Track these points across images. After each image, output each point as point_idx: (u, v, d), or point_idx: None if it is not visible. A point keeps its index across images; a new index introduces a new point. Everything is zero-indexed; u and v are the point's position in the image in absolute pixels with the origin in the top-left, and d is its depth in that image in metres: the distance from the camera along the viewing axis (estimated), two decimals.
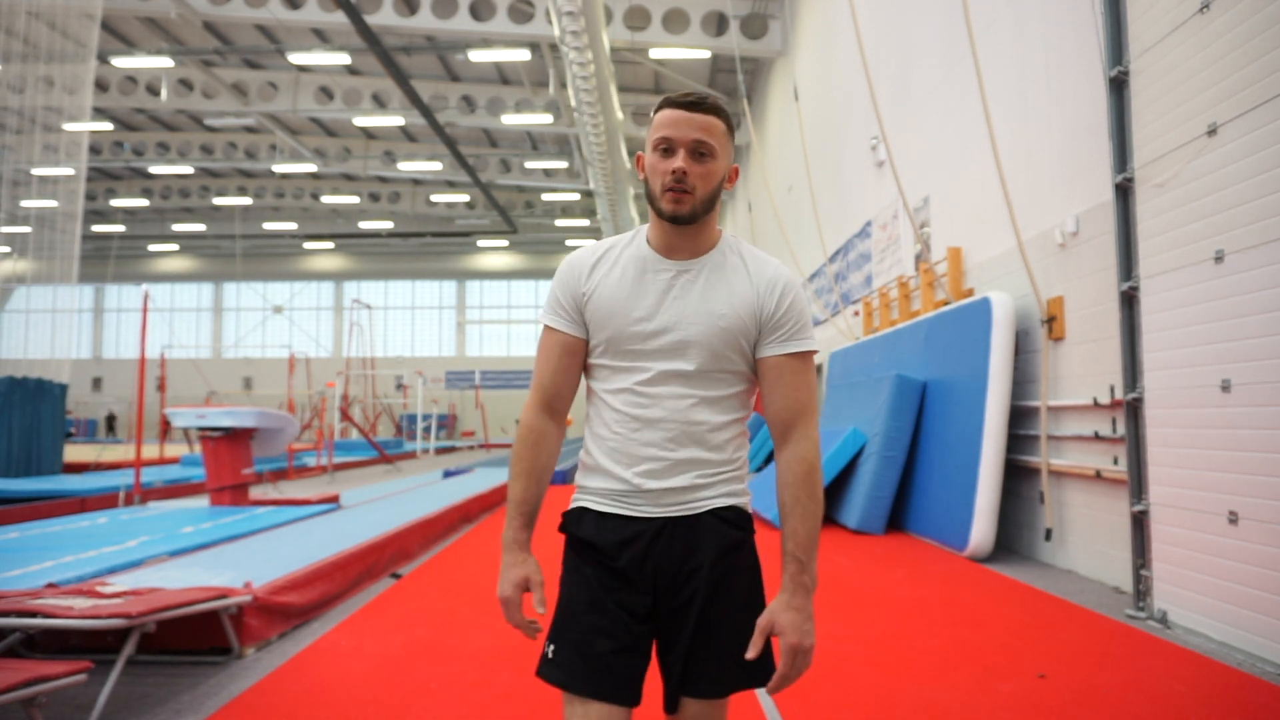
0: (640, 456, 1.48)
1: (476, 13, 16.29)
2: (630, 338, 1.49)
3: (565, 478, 12.44)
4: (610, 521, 1.49)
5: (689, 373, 1.47)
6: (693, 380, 1.48)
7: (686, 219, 1.45)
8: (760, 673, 1.47)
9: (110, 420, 33.08)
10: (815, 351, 1.54)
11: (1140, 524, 4.25)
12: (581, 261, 1.55)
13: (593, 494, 1.52)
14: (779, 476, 1.49)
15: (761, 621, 1.41)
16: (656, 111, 1.49)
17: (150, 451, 15.45)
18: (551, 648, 1.47)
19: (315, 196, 30.34)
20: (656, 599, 1.48)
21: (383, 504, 8.17)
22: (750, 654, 1.40)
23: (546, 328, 1.56)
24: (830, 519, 7.29)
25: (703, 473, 1.49)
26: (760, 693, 2.96)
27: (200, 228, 33.67)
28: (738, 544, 1.50)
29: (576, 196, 29.84)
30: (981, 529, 5.61)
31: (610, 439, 1.50)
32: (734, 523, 1.51)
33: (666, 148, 1.45)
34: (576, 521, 1.53)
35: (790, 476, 1.47)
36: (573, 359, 1.55)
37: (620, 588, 1.46)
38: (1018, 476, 5.99)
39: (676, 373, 1.47)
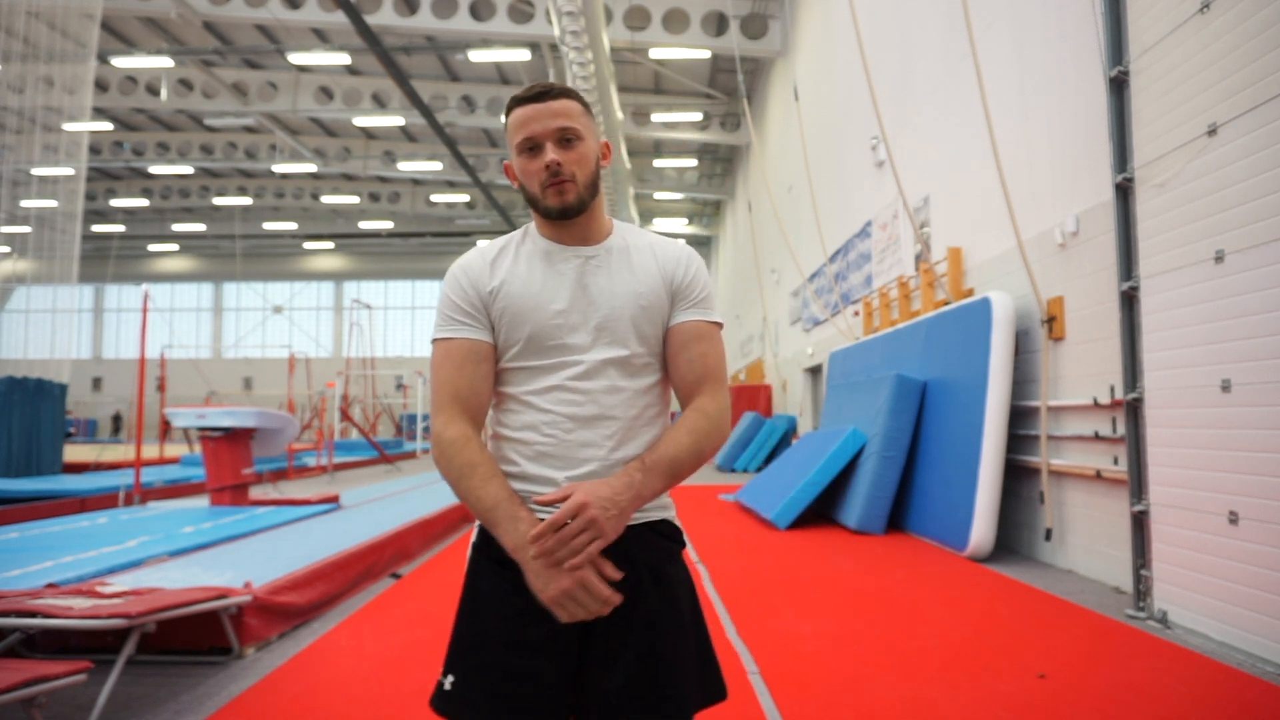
0: (578, 459, 1.37)
1: (476, 13, 16.29)
2: (553, 331, 1.39)
3: None
4: None
5: (621, 360, 1.40)
6: (625, 369, 1.41)
7: (576, 208, 1.40)
8: (713, 690, 1.40)
9: (116, 420, 33.10)
10: (721, 325, 1.50)
11: (1140, 524, 4.25)
12: (477, 262, 1.45)
13: None
14: (676, 420, 1.43)
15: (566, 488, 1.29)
16: (507, 114, 1.43)
17: (150, 451, 15.45)
18: (450, 679, 1.33)
19: (315, 196, 30.33)
20: (587, 622, 1.32)
21: (383, 504, 8.17)
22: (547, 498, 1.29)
23: (444, 341, 1.41)
24: (830, 519, 7.29)
25: None
26: (759, 692, 2.96)
27: (200, 228, 33.66)
28: (672, 556, 1.42)
29: None
30: (981, 529, 5.61)
31: (540, 442, 1.38)
32: (668, 535, 1.43)
33: (531, 146, 1.39)
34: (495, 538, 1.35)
35: (682, 419, 1.42)
36: (489, 367, 1.42)
37: (543, 614, 1.30)
38: (1018, 476, 5.99)
39: (610, 362, 1.40)
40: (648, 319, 1.42)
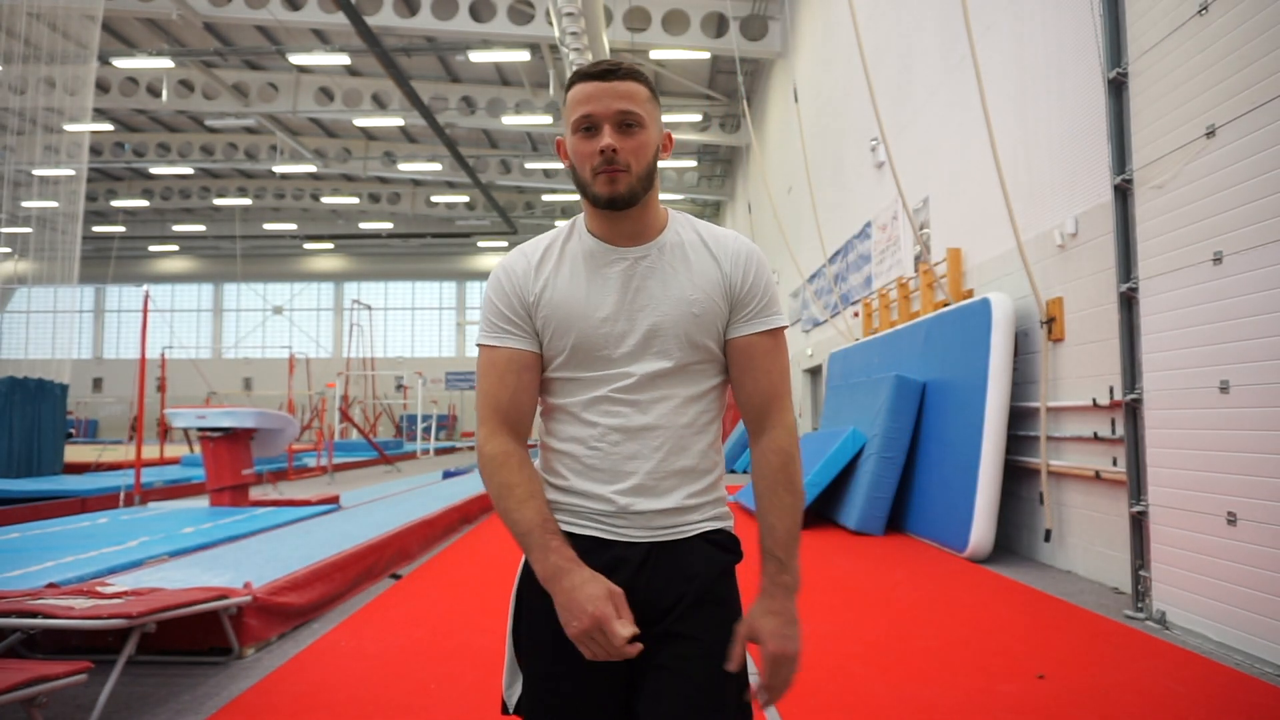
0: (626, 472, 1.31)
1: (476, 14, 16.30)
2: (599, 342, 1.31)
3: None
4: (584, 544, 1.30)
5: (670, 371, 1.32)
6: (674, 379, 1.33)
7: (626, 200, 1.29)
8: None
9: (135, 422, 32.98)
10: (785, 328, 1.39)
11: (1139, 525, 4.25)
12: (521, 264, 1.37)
13: (562, 511, 1.34)
14: (754, 468, 1.37)
15: (740, 630, 1.29)
16: (567, 89, 1.32)
17: (150, 452, 15.45)
18: (517, 692, 1.34)
19: (315, 197, 30.34)
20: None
21: (382, 504, 8.17)
22: (731, 666, 1.28)
23: (489, 348, 1.35)
24: (830, 520, 7.29)
25: (691, 490, 1.34)
26: (759, 693, 2.97)
27: (200, 228, 33.68)
28: (726, 571, 1.37)
29: (576, 198, 29.78)
30: (981, 530, 5.62)
31: (587, 455, 1.32)
32: (726, 547, 1.37)
33: (589, 126, 1.28)
34: None
35: (766, 468, 1.35)
36: (532, 376, 1.35)
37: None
38: (1017, 477, 5.99)
39: (658, 373, 1.32)
40: (700, 328, 1.32)
